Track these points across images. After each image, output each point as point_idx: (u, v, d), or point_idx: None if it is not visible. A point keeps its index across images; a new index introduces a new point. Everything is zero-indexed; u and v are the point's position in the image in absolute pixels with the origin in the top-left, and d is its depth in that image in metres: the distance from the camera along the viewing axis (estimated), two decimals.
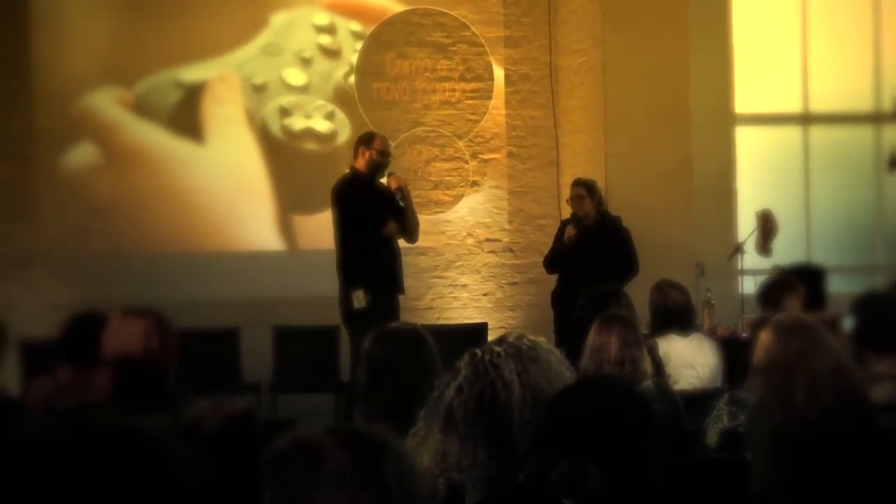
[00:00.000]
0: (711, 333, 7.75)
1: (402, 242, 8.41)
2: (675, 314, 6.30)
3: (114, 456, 1.69)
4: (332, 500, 1.78)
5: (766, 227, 9.46)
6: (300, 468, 1.82)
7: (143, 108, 10.24)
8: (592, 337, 4.87)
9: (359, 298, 7.98)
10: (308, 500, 1.79)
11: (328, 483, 1.79)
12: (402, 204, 8.16)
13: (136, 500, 1.67)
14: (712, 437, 4.71)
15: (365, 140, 8.35)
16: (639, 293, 6.60)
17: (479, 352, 2.81)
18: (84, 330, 4.62)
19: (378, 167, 8.22)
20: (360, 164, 8.23)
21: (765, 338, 3.86)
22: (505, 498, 2.55)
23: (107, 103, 10.19)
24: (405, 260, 9.88)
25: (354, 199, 8.14)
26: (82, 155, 10.16)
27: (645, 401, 2.61)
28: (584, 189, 8.85)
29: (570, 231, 8.77)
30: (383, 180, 8.29)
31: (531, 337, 2.88)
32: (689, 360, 6.17)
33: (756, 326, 5.01)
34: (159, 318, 4.19)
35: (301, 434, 1.87)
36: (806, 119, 10.89)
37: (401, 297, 8.41)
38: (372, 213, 8.10)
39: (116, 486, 1.67)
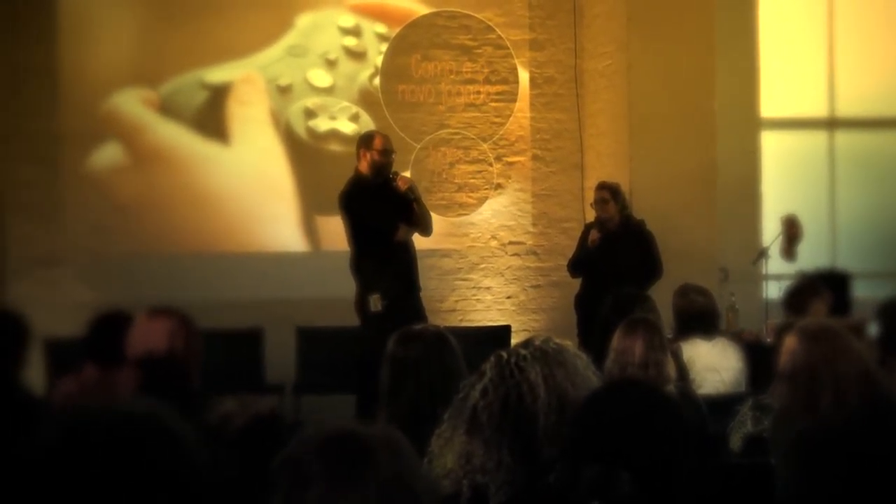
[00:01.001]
0: (735, 338, 7.72)
1: (422, 241, 8.39)
2: (700, 318, 6.28)
3: (128, 446, 1.73)
4: None
5: (791, 231, 9.43)
6: (287, 486, 1.85)
7: (168, 109, 10.27)
8: (617, 340, 4.86)
9: (375, 302, 7.93)
10: None
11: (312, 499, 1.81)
12: (412, 200, 8.03)
13: (152, 489, 1.70)
14: (736, 441, 4.69)
15: (365, 141, 8.19)
16: (663, 297, 6.58)
17: (504, 354, 2.81)
18: (109, 329, 4.63)
19: (381, 168, 8.01)
20: (363, 166, 8.06)
21: (790, 343, 3.84)
22: (532, 500, 2.54)
23: (132, 104, 10.22)
24: (429, 262, 9.93)
25: (362, 206, 8.00)
26: (108, 155, 10.19)
27: (674, 405, 2.60)
28: (608, 192, 8.85)
29: (594, 235, 8.76)
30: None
31: (557, 340, 2.88)
32: (714, 364, 6.14)
33: (781, 331, 4.99)
34: (184, 318, 4.21)
35: (287, 451, 1.89)
36: (832, 124, 10.85)
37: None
38: (382, 220, 7.97)
39: (130, 475, 1.70)
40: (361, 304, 8.00)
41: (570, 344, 2.89)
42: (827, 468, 3.48)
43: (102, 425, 1.77)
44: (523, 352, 2.79)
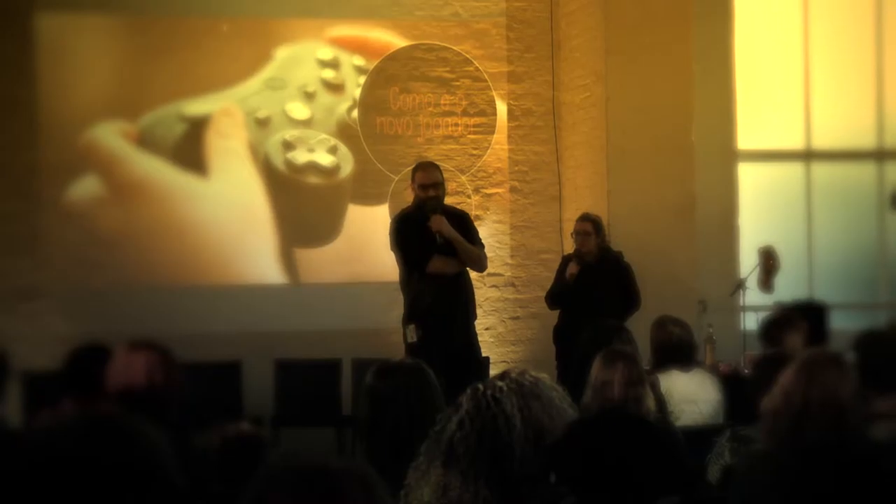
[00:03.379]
0: (713, 369, 7.74)
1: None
2: (677, 350, 6.29)
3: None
4: None
5: (769, 263, 9.47)
6: None
7: (146, 142, 10.25)
8: (595, 373, 4.85)
9: (411, 333, 7.96)
10: None
11: None
12: (441, 243, 7.99)
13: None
14: (714, 473, 4.70)
15: (411, 173, 8.30)
16: (640, 329, 6.60)
17: (481, 387, 2.83)
18: (87, 362, 4.60)
19: (423, 202, 8.02)
20: (412, 198, 8.20)
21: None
22: None
23: (111, 137, 10.20)
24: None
25: (401, 236, 8.09)
26: (86, 188, 10.16)
27: (656, 432, 2.63)
28: (591, 225, 8.87)
29: (573, 268, 8.77)
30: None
31: (534, 373, 2.90)
32: (691, 396, 6.16)
33: (758, 364, 5.01)
34: (164, 351, 4.20)
35: (256, 483, 1.88)
36: (808, 156, 10.91)
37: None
38: (415, 251, 7.99)
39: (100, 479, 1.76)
40: (402, 334, 8.06)
41: (545, 376, 2.91)
42: (809, 501, 3.50)
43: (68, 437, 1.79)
44: (499, 384, 2.81)
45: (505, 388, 2.79)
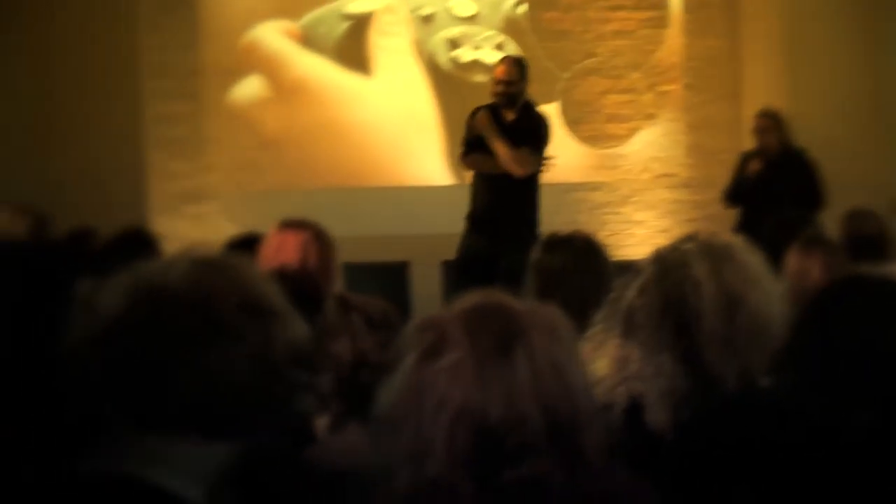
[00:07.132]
0: None
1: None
2: (870, 243, 5.90)
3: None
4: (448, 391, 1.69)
5: None
6: (421, 350, 1.74)
7: (309, 41, 10.13)
8: (792, 262, 4.48)
9: None
10: (427, 383, 1.71)
11: (445, 371, 1.69)
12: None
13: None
14: None
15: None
16: (826, 230, 6.23)
17: (665, 250, 2.49)
18: (241, 249, 4.50)
19: (494, 96, 7.70)
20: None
21: None
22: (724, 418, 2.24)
23: (273, 36, 10.11)
24: (579, 196, 9.85)
25: (466, 126, 8.09)
26: (249, 89, 10.10)
27: None
28: (770, 121, 8.52)
29: (755, 165, 8.44)
30: None
31: (727, 236, 2.55)
32: None
33: None
34: (318, 231, 4.07)
35: (431, 316, 1.79)
36: None
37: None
38: (463, 144, 8.13)
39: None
40: None
41: (741, 240, 2.56)
42: None
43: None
44: (687, 246, 2.47)
45: (694, 250, 2.45)
